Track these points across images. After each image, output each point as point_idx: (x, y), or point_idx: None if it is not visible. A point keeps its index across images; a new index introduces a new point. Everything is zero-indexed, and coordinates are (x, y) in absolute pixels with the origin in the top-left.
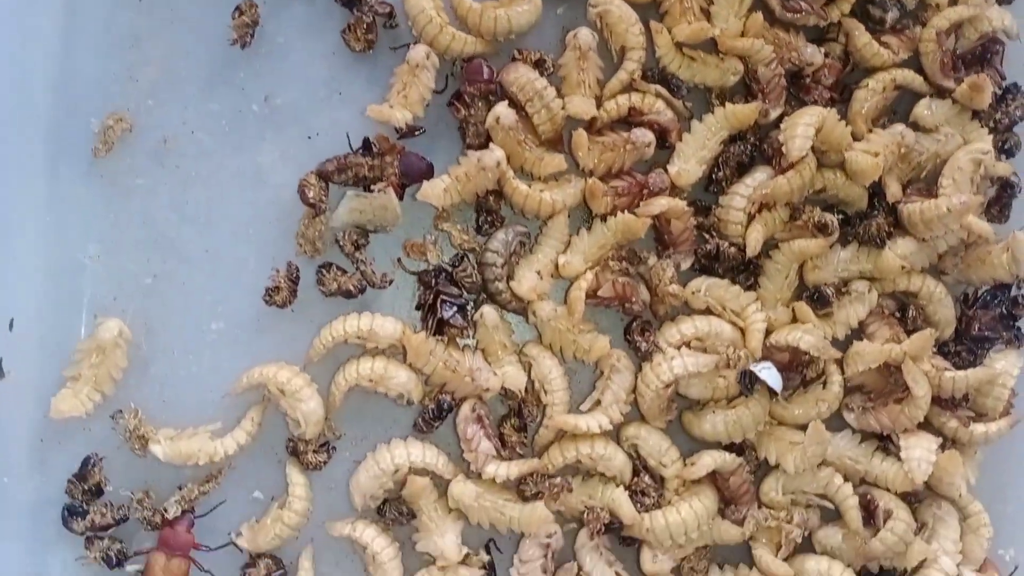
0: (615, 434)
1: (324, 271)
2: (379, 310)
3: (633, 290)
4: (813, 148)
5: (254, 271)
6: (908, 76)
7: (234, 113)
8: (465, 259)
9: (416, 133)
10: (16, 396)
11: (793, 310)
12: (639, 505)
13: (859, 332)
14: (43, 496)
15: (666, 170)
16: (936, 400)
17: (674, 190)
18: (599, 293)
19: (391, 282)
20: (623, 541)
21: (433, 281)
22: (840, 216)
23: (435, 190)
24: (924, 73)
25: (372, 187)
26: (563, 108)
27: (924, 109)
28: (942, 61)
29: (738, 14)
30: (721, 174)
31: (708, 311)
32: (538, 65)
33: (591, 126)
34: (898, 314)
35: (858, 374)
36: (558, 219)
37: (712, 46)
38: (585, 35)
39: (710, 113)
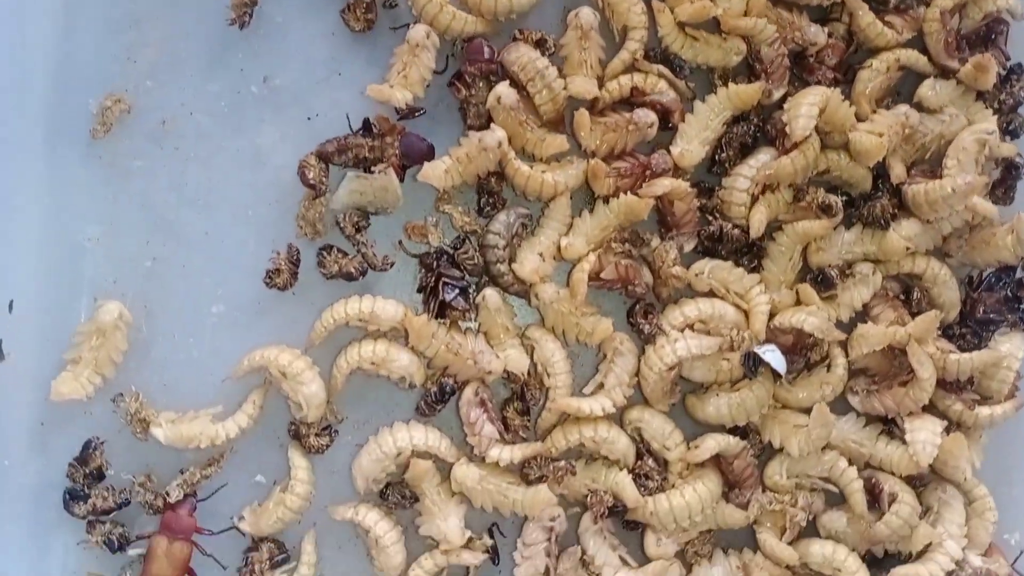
0: (618, 418)
1: (325, 253)
2: (380, 293)
3: (636, 272)
4: (817, 129)
5: (254, 253)
6: (912, 56)
7: (233, 94)
8: (467, 241)
9: (416, 114)
10: (16, 379)
11: (797, 292)
12: (643, 488)
13: (863, 315)
14: (44, 480)
15: (669, 151)
16: (941, 383)
17: (677, 171)
18: (602, 275)
19: (392, 264)
20: (627, 525)
21: (435, 263)
22: (844, 198)
23: (436, 171)
24: (928, 53)
25: (373, 168)
26: (565, 88)
27: (928, 90)
28: (946, 41)
29: None
30: (724, 155)
31: (711, 293)
32: (539, 45)
33: (593, 107)
34: (902, 296)
35: (862, 357)
36: (560, 201)
37: (715, 26)
38: (587, 14)
39: (713, 94)
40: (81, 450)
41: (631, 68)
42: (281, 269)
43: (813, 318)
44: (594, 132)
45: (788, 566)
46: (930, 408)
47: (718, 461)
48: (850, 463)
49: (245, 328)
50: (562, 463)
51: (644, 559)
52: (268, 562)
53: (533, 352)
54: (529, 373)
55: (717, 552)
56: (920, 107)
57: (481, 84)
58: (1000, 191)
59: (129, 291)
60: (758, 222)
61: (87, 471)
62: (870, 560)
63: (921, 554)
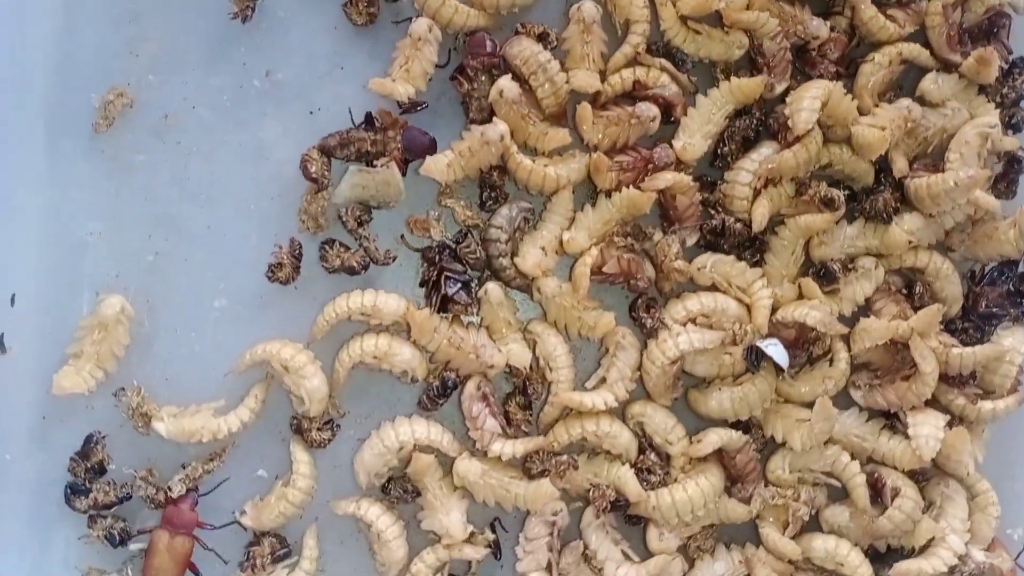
0: (621, 412)
1: (327, 247)
2: (382, 287)
3: (638, 266)
4: (819, 123)
5: (256, 247)
6: (914, 50)
7: (235, 88)
8: (469, 235)
9: (418, 108)
10: (18, 373)
11: (799, 286)
12: (645, 483)
13: (865, 309)
14: (45, 474)
15: (671, 145)
16: (943, 377)
17: (679, 165)
18: (604, 269)
19: (395, 259)
20: (629, 520)
21: (437, 257)
22: (846, 192)
23: (438, 165)
24: (930, 47)
25: (375, 162)
26: (567, 82)
27: (930, 83)
28: (948, 35)
29: None
30: (726, 149)
31: (714, 287)
32: (541, 39)
33: (595, 100)
34: (905, 291)
35: (865, 351)
36: (562, 194)
37: (717, 19)
38: (589, 8)
39: (715, 88)
40: (83, 444)
41: (633, 62)
42: (283, 263)
43: (816, 312)
44: (596, 126)
45: (791, 561)
46: (933, 403)
47: (720, 456)
48: (852, 458)
49: (247, 322)
50: (564, 457)
51: (646, 554)
52: (270, 556)
53: (535, 346)
54: (531, 367)
55: (719, 547)
56: (922, 101)
57: (483, 78)
58: (1002, 185)
59: (131, 285)
60: (760, 216)
61: (88, 465)
62: (873, 555)
63: (924, 549)
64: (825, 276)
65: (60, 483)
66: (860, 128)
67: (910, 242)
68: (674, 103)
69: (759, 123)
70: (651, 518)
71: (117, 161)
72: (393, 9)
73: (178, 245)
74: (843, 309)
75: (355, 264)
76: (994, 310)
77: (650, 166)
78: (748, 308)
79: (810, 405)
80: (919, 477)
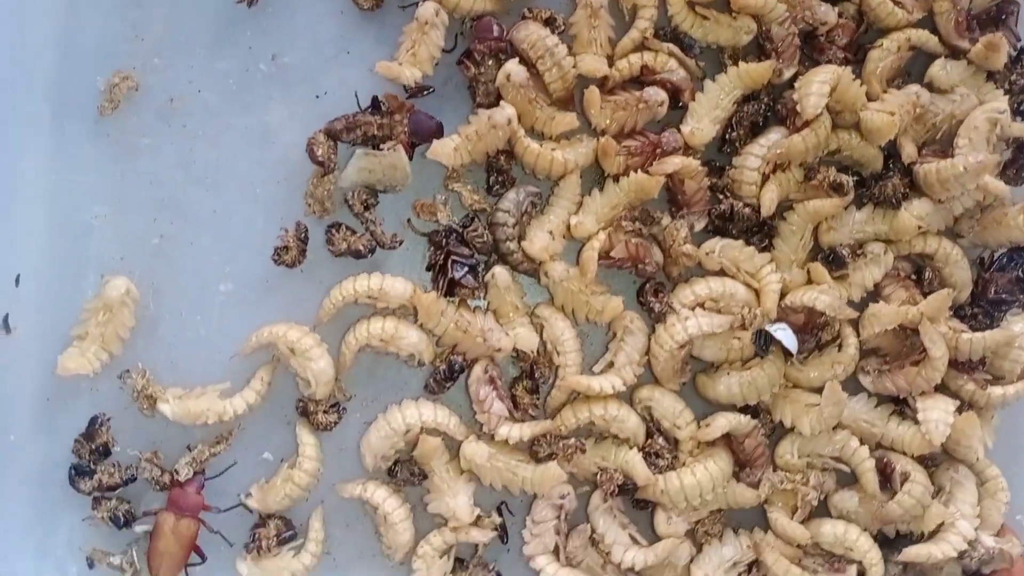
0: (628, 397)
1: (333, 231)
2: (389, 271)
3: (646, 251)
4: (828, 108)
5: (262, 231)
6: (923, 36)
7: (241, 72)
8: (476, 219)
9: (425, 92)
10: (23, 355)
11: (808, 271)
12: (653, 467)
13: (874, 295)
14: (50, 456)
15: (679, 130)
16: (953, 363)
17: (687, 150)
18: (612, 254)
19: (401, 243)
20: (636, 504)
21: (444, 241)
22: (855, 178)
23: (445, 149)
24: (939, 33)
25: (381, 146)
26: (574, 66)
27: (939, 70)
28: (956, 21)
29: None
30: (735, 134)
31: (722, 272)
32: (548, 23)
33: (603, 85)
34: (914, 277)
35: (874, 336)
36: (570, 179)
37: (725, 4)
38: None
39: (723, 73)
40: (87, 426)
41: (641, 47)
42: (289, 246)
43: (825, 296)
44: (604, 110)
45: (799, 545)
46: (942, 388)
47: (729, 440)
48: (861, 443)
49: (253, 306)
50: (572, 441)
51: (654, 538)
52: (275, 538)
53: (542, 331)
54: (538, 352)
55: (727, 532)
56: (931, 87)
57: (490, 62)
58: (1011, 171)
59: (136, 269)
60: (769, 201)
61: (93, 447)
62: (882, 540)
63: (933, 534)
64: (834, 261)
65: (64, 465)
66: (869, 113)
67: (919, 227)
68: (682, 88)
69: (767, 109)
70: (659, 502)
71: (122, 144)
72: None
73: (184, 229)
74: (852, 294)
75: (361, 248)
76: (1003, 296)
77: (658, 151)
78: (757, 293)
79: (819, 390)
80: (928, 463)
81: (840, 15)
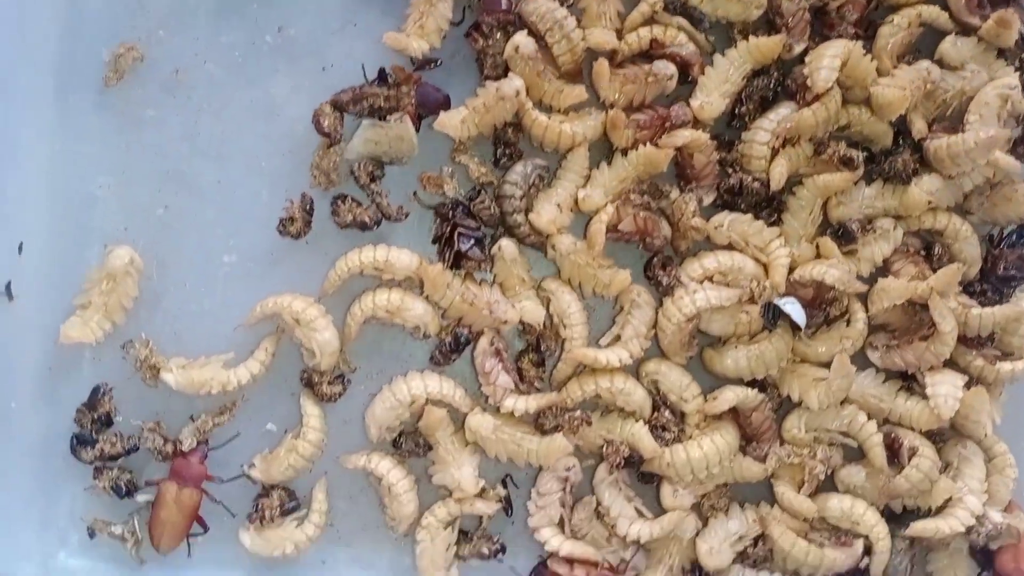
0: (635, 371)
1: (339, 202)
2: (395, 243)
3: (655, 224)
4: (838, 83)
5: (267, 203)
6: (933, 12)
7: (247, 44)
8: (483, 192)
9: (432, 65)
10: (25, 324)
11: (817, 246)
12: (659, 440)
13: (883, 271)
14: (52, 425)
15: (688, 104)
16: (961, 339)
17: (697, 124)
18: (620, 227)
19: (407, 215)
20: (642, 478)
21: (450, 213)
22: (865, 154)
23: (452, 121)
24: (949, 10)
25: (388, 117)
26: (583, 39)
27: (950, 46)
28: None
29: None
30: (744, 109)
31: (731, 246)
32: None
33: (612, 59)
34: (923, 252)
35: (883, 311)
36: (578, 151)
37: None
38: None
39: (733, 47)
40: (90, 396)
41: (650, 20)
42: (295, 217)
43: (835, 270)
44: (613, 84)
45: (805, 519)
46: (950, 364)
47: (736, 414)
48: (869, 418)
49: (258, 278)
50: (578, 413)
51: (659, 511)
52: (278, 508)
53: (549, 304)
54: (545, 325)
55: (733, 506)
56: (941, 64)
57: (498, 35)
58: (1021, 148)
59: (140, 239)
60: (779, 175)
61: (95, 416)
62: (889, 515)
63: (940, 509)
64: (843, 236)
65: (66, 434)
66: (879, 88)
67: (929, 203)
68: (691, 62)
69: (777, 83)
70: (665, 475)
71: (127, 116)
72: None
73: (188, 200)
74: (861, 270)
75: (367, 219)
76: (1013, 272)
77: (667, 124)
78: (765, 267)
79: (827, 365)
80: (936, 438)
81: None
